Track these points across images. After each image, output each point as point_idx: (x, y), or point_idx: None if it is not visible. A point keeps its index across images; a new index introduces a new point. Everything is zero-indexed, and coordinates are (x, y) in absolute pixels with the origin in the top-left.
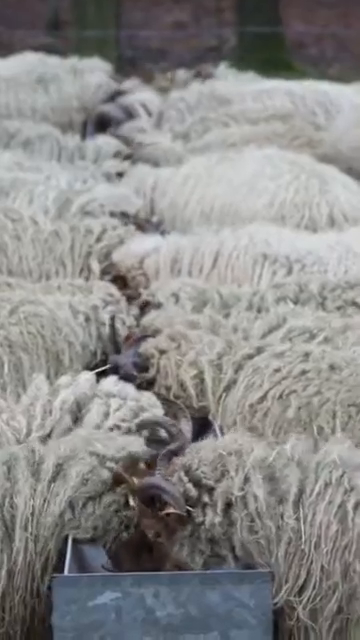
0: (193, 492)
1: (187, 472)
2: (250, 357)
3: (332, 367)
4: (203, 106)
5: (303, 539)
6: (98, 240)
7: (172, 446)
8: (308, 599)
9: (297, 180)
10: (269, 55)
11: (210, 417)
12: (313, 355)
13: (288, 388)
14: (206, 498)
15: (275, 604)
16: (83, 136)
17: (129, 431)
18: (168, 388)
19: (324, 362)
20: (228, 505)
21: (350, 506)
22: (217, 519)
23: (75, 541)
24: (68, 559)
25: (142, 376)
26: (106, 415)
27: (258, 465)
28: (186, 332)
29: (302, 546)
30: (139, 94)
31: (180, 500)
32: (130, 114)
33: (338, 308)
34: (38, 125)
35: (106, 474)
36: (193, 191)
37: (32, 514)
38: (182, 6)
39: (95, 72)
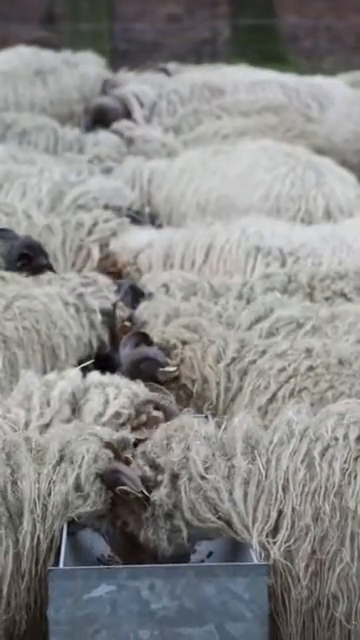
0: (149, 473)
1: (143, 456)
2: (254, 362)
3: (341, 361)
4: (196, 97)
5: (268, 481)
6: (89, 233)
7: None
8: (282, 540)
9: (293, 172)
10: (263, 47)
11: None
12: (316, 351)
13: (298, 386)
14: (160, 477)
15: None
16: (87, 127)
17: (129, 418)
18: (193, 381)
19: (332, 357)
20: (175, 476)
21: (316, 453)
22: (165, 491)
23: (71, 533)
24: (63, 552)
25: (168, 372)
26: (106, 403)
27: (202, 437)
28: (203, 323)
29: (268, 487)
30: (133, 86)
31: (136, 480)
32: (125, 106)
33: (326, 299)
34: (35, 116)
35: (110, 453)
36: (189, 184)
37: (38, 497)
38: None
39: (89, 65)
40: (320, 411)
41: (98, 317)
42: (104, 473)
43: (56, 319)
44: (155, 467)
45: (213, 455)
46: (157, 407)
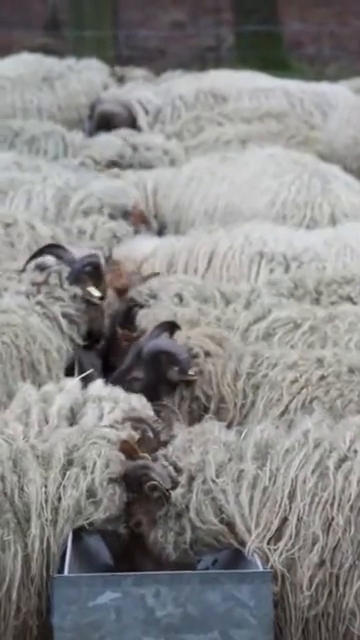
0: (174, 473)
1: (165, 459)
2: (266, 376)
3: (351, 369)
4: (200, 104)
5: (275, 487)
6: (92, 238)
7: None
8: (284, 547)
9: (299, 179)
10: (266, 54)
11: None
12: (327, 360)
13: (310, 395)
14: (180, 478)
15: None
16: (90, 133)
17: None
18: (209, 397)
19: (343, 365)
20: (191, 478)
21: (331, 463)
22: (181, 491)
23: (76, 538)
24: (68, 559)
25: (184, 376)
26: (100, 418)
27: (221, 442)
28: (227, 336)
29: (273, 494)
30: (137, 92)
31: (166, 478)
32: (129, 111)
33: (332, 303)
34: (43, 123)
35: (121, 455)
36: (197, 191)
37: (46, 501)
38: (180, 5)
39: (94, 72)
40: (339, 423)
41: (63, 323)
42: (130, 469)
43: (35, 333)
44: (177, 469)
45: (229, 460)
46: (150, 427)
